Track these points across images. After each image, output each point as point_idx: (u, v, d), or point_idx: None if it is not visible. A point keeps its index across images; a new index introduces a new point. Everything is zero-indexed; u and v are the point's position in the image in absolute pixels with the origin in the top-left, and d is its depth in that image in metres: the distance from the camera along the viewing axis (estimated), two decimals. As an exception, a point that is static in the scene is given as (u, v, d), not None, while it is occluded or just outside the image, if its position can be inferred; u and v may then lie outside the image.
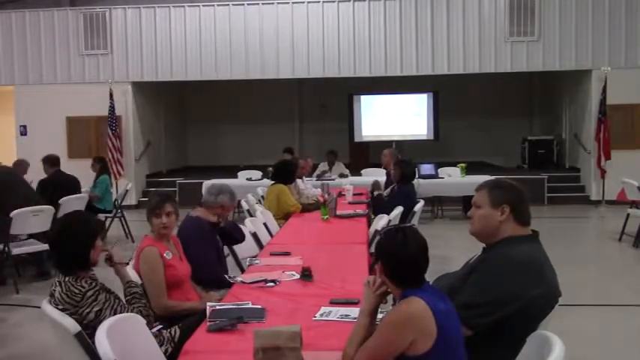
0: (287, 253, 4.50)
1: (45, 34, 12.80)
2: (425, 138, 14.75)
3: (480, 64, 12.50)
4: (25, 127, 12.84)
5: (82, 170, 9.31)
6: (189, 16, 12.73)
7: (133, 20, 12.77)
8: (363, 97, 14.81)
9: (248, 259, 4.47)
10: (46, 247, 6.74)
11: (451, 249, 7.59)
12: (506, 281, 2.47)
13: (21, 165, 8.58)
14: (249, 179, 10.64)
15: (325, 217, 6.21)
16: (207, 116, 16.12)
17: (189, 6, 12.77)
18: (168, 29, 12.74)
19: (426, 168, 10.87)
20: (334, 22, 12.58)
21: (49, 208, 6.90)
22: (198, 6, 12.76)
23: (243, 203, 7.45)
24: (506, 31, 12.35)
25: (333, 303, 3.21)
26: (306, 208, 6.81)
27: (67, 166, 8.99)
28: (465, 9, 12.40)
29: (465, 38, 12.43)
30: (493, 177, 3.31)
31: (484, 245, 2.72)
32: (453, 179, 10.94)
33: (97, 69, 12.80)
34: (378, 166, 10.34)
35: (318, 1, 12.59)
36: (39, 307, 2.92)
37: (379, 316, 2.41)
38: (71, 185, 8.39)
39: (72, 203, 7.72)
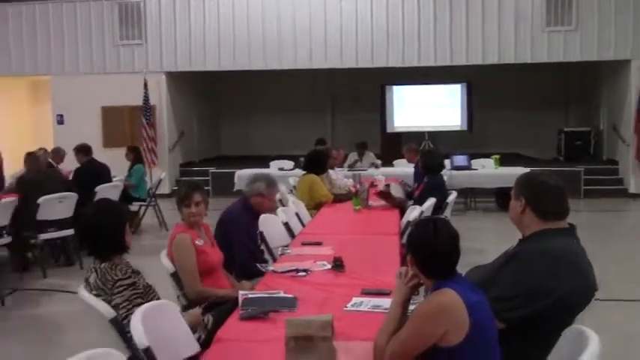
0: (319, 243, 4.50)
1: (81, 24, 12.98)
2: (458, 129, 14.59)
3: (516, 54, 12.30)
4: (61, 115, 13.07)
5: (116, 159, 9.46)
6: (222, 6, 12.78)
7: (167, 10, 12.87)
8: (396, 88, 14.71)
9: (280, 248, 4.48)
10: (69, 232, 7.00)
11: (484, 241, 7.51)
12: (539, 274, 2.44)
13: (58, 153, 8.76)
14: (281, 169, 10.66)
15: (357, 207, 6.19)
16: (240, 106, 16.20)
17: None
18: (202, 19, 12.81)
19: (459, 159, 10.76)
20: (367, 12, 12.50)
21: (72, 195, 7.10)
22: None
23: (278, 193, 7.47)
24: (542, 20, 12.13)
25: (365, 293, 3.20)
26: (338, 199, 6.80)
27: (102, 155, 9.14)
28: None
29: (500, 28, 12.23)
30: (527, 169, 3.26)
31: (520, 237, 2.69)
32: (487, 171, 10.81)
33: (132, 59, 12.94)
34: (409, 158, 10.28)
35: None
36: (68, 292, 2.96)
37: (411, 307, 2.40)
38: (104, 174, 8.54)
39: (107, 191, 7.85)
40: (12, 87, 13.93)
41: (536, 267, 2.46)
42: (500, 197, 10.50)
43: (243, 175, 9.82)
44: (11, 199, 6.93)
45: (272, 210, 4.83)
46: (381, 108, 14.67)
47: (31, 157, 8.10)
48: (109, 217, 3.01)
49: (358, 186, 6.82)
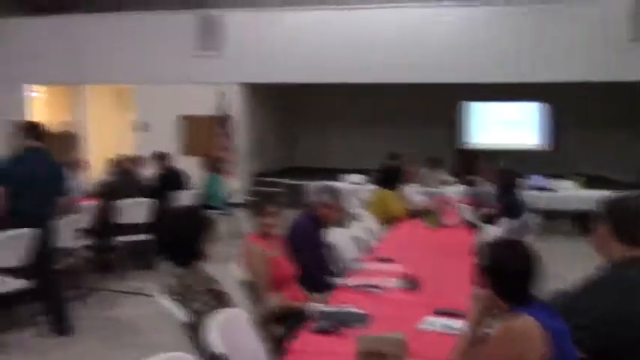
0: (390, 260, 4.46)
1: (162, 35, 13.41)
2: (537, 148, 14.19)
3: (603, 71, 11.85)
4: (142, 123, 13.52)
5: (193, 167, 9.70)
6: (301, 19, 12.95)
7: (246, 23, 13.14)
8: (472, 104, 14.47)
9: (350, 262, 4.48)
10: (148, 236, 7.25)
11: (562, 266, 7.22)
12: (622, 304, 2.33)
13: (138, 161, 9.05)
14: (354, 183, 10.66)
15: (430, 224, 6.12)
16: (315, 118, 16.33)
17: (301, 10, 13.00)
18: (280, 31, 13.01)
19: (537, 179, 10.46)
20: (444, 27, 12.37)
21: (151, 200, 7.39)
22: (311, 10, 12.95)
23: (348, 206, 7.47)
24: (632, 36, 11.66)
25: (437, 313, 3.15)
26: (411, 215, 6.73)
27: (180, 164, 9.41)
28: (585, 12, 11.81)
29: (587, 43, 11.82)
30: (612, 192, 3.11)
31: (602, 263, 2.59)
32: (567, 192, 10.45)
33: (210, 70, 13.27)
34: (485, 175, 10.06)
35: (431, 6, 12.45)
36: (146, 295, 3.05)
37: (487, 330, 2.34)
38: (181, 181, 8.81)
39: (182, 198, 8.09)
40: (99, 95, 14.56)
41: (620, 296, 2.36)
42: (581, 220, 10.12)
43: (314, 187, 9.87)
44: (93, 203, 7.25)
45: (338, 221, 4.82)
46: (455, 124, 14.46)
47: (113, 163, 8.46)
48: (190, 223, 3.09)
49: (432, 203, 6.74)
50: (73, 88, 14.20)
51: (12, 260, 5.15)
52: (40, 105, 14.21)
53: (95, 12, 13.96)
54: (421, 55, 12.43)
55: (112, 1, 14.91)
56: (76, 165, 9.13)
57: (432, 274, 4.04)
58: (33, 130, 5.19)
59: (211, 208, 9.23)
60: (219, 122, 12.72)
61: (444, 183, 10.67)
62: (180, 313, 2.83)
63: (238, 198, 10.63)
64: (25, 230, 5.13)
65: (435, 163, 11.20)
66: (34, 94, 14.03)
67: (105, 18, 13.64)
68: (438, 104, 14.67)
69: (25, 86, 13.85)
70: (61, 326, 5.36)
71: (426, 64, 12.44)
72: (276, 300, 3.67)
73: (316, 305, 3.16)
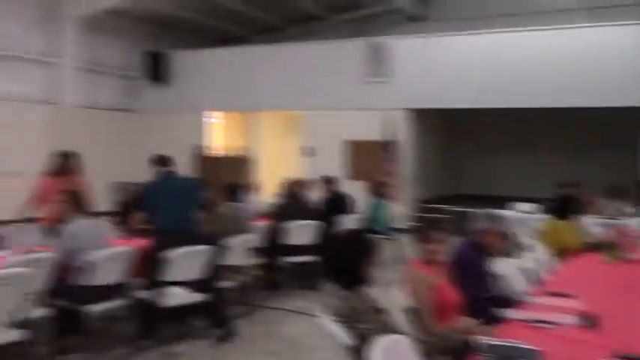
0: (566, 295, 4.16)
1: (331, 63, 13.79)
2: None
3: None
4: (310, 148, 13.97)
5: (359, 192, 9.81)
6: (468, 45, 12.72)
7: (414, 49, 13.15)
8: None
9: (519, 294, 4.24)
10: (313, 258, 7.46)
11: None
12: None
13: (306, 184, 9.33)
14: (524, 211, 10.17)
15: (611, 258, 5.64)
16: (482, 144, 15.89)
17: (471, 34, 12.77)
18: (446, 57, 12.87)
19: None
20: (626, 48, 11.49)
21: (317, 223, 7.64)
22: (482, 34, 12.68)
23: (517, 236, 7.14)
24: None
25: (617, 357, 2.86)
26: (588, 248, 6.25)
27: (346, 188, 9.58)
28: None
29: None
30: None
31: None
32: None
33: (377, 96, 13.42)
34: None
35: (603, 26, 11.69)
36: (309, 315, 3.08)
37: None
38: (346, 205, 8.95)
39: (347, 222, 8.21)
40: (270, 121, 15.32)
41: None
42: None
43: (479, 214, 9.54)
44: (265, 224, 7.59)
45: (503, 250, 4.60)
46: (638, 151, 13.28)
47: (283, 186, 8.81)
48: (354, 247, 3.10)
49: (614, 235, 6.20)
50: (247, 114, 15.08)
51: (188, 274, 5.53)
52: (218, 130, 15.24)
53: (269, 43, 14.77)
54: (599, 77, 11.65)
55: (284, 34, 15.74)
56: (249, 187, 9.65)
57: (612, 313, 3.70)
58: (162, 160, 6.18)
59: (375, 232, 9.26)
60: (384, 147, 12.79)
61: (625, 214, 9.82)
62: (344, 336, 2.84)
63: (402, 223, 10.58)
64: (202, 247, 5.52)
65: (615, 192, 10.35)
66: (212, 120, 15.08)
67: (278, 49, 14.38)
68: (619, 129, 13.62)
69: (205, 113, 14.94)
70: (226, 339, 5.69)
71: (606, 86, 11.63)
72: (440, 329, 3.57)
73: (483, 337, 3.01)
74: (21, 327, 4.45)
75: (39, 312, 4.83)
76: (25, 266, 4.54)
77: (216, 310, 5.82)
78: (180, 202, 5.97)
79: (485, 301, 4.15)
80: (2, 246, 5.84)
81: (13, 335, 4.41)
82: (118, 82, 14.97)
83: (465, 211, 11.56)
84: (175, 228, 5.77)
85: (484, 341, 2.94)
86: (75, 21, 13.28)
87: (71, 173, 7.34)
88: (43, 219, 6.88)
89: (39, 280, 4.79)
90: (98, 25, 13.63)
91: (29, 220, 7.22)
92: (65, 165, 7.35)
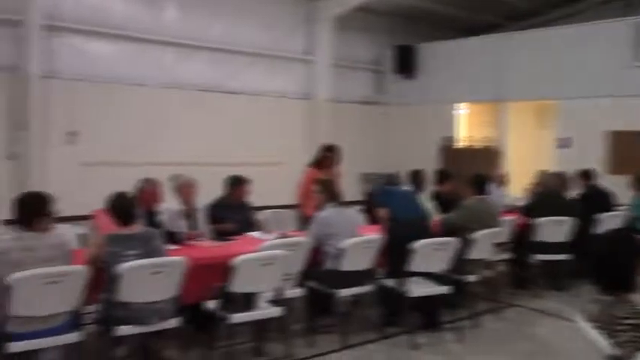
0: None
1: (589, 48, 12.69)
2: None
3: None
4: (566, 139, 13.04)
5: (620, 187, 8.92)
6: None
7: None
8: None
9: None
10: (565, 256, 7.08)
11: None
12: None
13: (563, 178, 8.74)
14: None
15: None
16: None
17: None
18: None
19: None
20: None
21: (572, 220, 7.14)
22: None
23: None
24: None
25: None
26: None
27: (606, 182, 8.79)
28: None
29: None
30: None
31: None
32: None
33: (645, 81, 12.05)
34: None
35: None
36: (561, 317, 2.87)
37: None
38: (606, 201, 8.20)
39: (607, 220, 7.51)
40: (519, 111, 14.63)
41: None
42: None
43: None
44: (513, 218, 7.29)
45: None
46: None
47: (535, 180, 8.38)
48: (622, 249, 2.80)
49: None
50: (494, 104, 14.60)
51: (436, 266, 5.54)
52: (465, 122, 15.03)
53: (519, 30, 14.13)
54: None
55: (544, 18, 14.96)
56: (499, 179, 9.36)
57: None
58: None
59: (638, 231, 8.35)
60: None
61: None
62: (604, 344, 2.59)
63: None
64: (450, 239, 5.52)
65: None
66: (460, 112, 14.91)
67: (529, 34, 13.69)
68: None
69: (454, 105, 14.82)
70: (471, 333, 5.64)
71: None
72: None
73: None
74: (280, 304, 4.84)
75: (294, 292, 5.21)
76: (284, 249, 4.92)
77: (458, 304, 5.79)
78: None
79: None
80: (262, 229, 6.41)
81: (275, 311, 4.82)
82: (367, 76, 15.52)
83: None
84: (410, 217, 5.83)
85: None
86: (328, 21, 14.08)
87: (333, 166, 7.71)
88: (301, 206, 7.37)
89: (296, 262, 5.16)
90: (348, 22, 14.28)
91: (287, 207, 7.81)
92: (328, 158, 7.72)
